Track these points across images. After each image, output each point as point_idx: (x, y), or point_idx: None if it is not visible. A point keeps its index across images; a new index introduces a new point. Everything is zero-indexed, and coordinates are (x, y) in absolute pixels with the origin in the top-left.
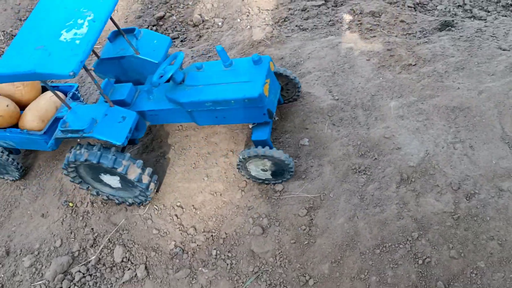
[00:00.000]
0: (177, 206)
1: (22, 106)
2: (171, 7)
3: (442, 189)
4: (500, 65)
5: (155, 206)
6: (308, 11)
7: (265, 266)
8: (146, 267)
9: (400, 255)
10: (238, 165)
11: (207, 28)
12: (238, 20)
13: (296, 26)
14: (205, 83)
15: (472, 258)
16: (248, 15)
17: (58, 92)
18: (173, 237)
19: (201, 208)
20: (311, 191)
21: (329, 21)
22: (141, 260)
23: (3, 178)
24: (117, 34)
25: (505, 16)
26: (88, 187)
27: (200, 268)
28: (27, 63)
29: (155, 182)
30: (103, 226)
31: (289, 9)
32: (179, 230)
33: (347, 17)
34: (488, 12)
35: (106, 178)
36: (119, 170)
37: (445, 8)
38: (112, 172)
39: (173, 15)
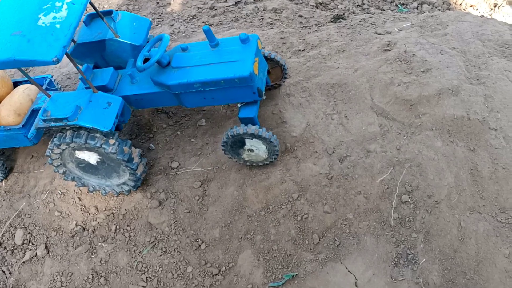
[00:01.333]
0: (80, 189)
1: None
2: None
3: (319, 154)
4: (374, 47)
5: (58, 191)
6: (216, 9)
7: (161, 235)
8: (46, 247)
9: (282, 215)
10: (222, 146)
11: None
12: (151, 19)
13: (203, 22)
14: (192, 64)
15: (342, 211)
16: (160, 15)
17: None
18: (75, 217)
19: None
20: (205, 166)
21: (233, 17)
22: (41, 240)
23: None
24: (94, 16)
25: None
26: (73, 177)
27: (100, 243)
28: (4, 51)
29: (144, 164)
30: (5, 213)
31: (198, 7)
32: (81, 211)
33: (251, 14)
34: (383, 10)
35: (86, 156)
36: (109, 149)
37: (344, 7)
38: (98, 153)
39: None
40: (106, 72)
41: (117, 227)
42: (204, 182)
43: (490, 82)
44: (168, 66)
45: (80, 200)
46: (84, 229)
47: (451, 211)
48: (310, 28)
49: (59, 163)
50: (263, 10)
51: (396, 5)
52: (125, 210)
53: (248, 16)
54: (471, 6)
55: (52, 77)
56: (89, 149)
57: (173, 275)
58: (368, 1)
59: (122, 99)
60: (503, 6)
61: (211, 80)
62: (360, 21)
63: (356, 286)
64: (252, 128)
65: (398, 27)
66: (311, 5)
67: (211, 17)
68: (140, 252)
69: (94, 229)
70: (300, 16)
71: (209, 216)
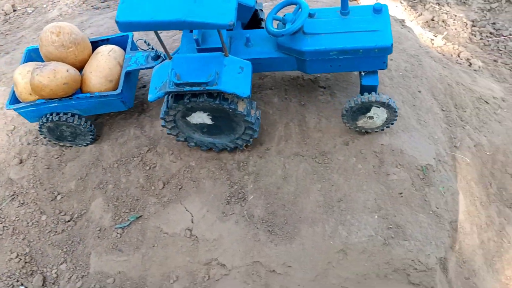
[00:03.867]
0: None
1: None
2: None
3: None
4: None
5: None
6: None
7: (20, 190)
8: None
9: (133, 166)
10: (343, 115)
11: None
12: (45, 5)
13: (92, 6)
14: (327, 31)
15: (186, 160)
16: (53, 2)
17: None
18: None
19: None
20: None
21: None
22: None
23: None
24: None
25: None
26: (186, 138)
27: None
28: (171, 10)
29: (259, 117)
30: None
31: None
32: None
33: None
34: None
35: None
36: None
37: None
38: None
39: None
40: (217, 34)
41: None
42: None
43: None
44: (299, 32)
45: None
46: None
47: (278, 155)
48: None
49: (173, 125)
50: None
51: None
52: None
53: None
54: None
55: (133, 35)
56: (207, 110)
57: (28, 223)
58: None
59: (251, 64)
60: None
61: (350, 48)
62: None
63: (192, 222)
64: (384, 97)
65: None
66: None
67: (102, 2)
68: None
69: None
70: None
71: (67, 171)
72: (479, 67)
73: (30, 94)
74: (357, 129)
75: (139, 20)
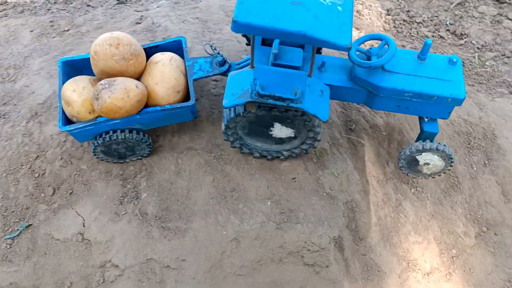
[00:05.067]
0: None
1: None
2: None
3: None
4: (128, 21)
5: None
6: None
7: None
8: None
9: (22, 174)
10: (402, 167)
11: None
12: None
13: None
14: (405, 72)
15: (77, 164)
16: None
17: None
18: None
19: None
20: None
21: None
22: None
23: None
24: None
25: None
26: (250, 149)
27: None
28: (291, 22)
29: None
30: None
31: None
32: None
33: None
34: None
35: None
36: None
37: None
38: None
39: None
40: (296, 53)
41: None
42: None
43: (219, 43)
44: (379, 67)
45: None
46: None
47: (171, 151)
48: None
49: (235, 137)
50: None
51: None
52: None
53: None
54: None
55: (185, 40)
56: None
57: None
58: None
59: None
60: None
61: (426, 93)
62: (128, 2)
63: (83, 225)
64: (441, 145)
65: (156, 5)
66: None
67: None
68: None
69: None
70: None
71: None
72: None
73: (90, 113)
74: (418, 175)
75: (260, 24)
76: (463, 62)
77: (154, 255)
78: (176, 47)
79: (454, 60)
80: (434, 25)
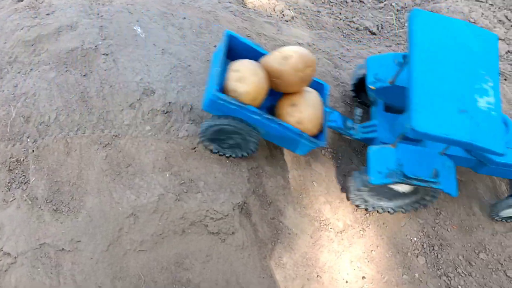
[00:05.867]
0: None
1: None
2: None
3: None
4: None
5: None
6: None
7: None
8: None
9: None
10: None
11: None
12: None
13: None
14: None
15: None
16: None
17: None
18: None
19: None
20: None
21: None
22: None
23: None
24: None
25: None
26: (374, 207)
27: None
28: (459, 130)
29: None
30: None
31: None
32: None
33: None
34: None
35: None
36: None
37: None
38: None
39: None
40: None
41: None
42: None
43: (108, 15)
44: None
45: None
46: None
47: (60, 130)
48: None
49: (362, 201)
50: None
51: None
52: None
53: None
54: None
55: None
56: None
57: None
58: None
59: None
60: None
61: None
62: None
63: None
64: None
65: None
66: None
67: None
68: None
69: None
70: None
71: None
72: (292, 17)
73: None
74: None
75: (435, 134)
76: (382, 25)
77: (47, 239)
78: (315, 87)
79: None
80: None
